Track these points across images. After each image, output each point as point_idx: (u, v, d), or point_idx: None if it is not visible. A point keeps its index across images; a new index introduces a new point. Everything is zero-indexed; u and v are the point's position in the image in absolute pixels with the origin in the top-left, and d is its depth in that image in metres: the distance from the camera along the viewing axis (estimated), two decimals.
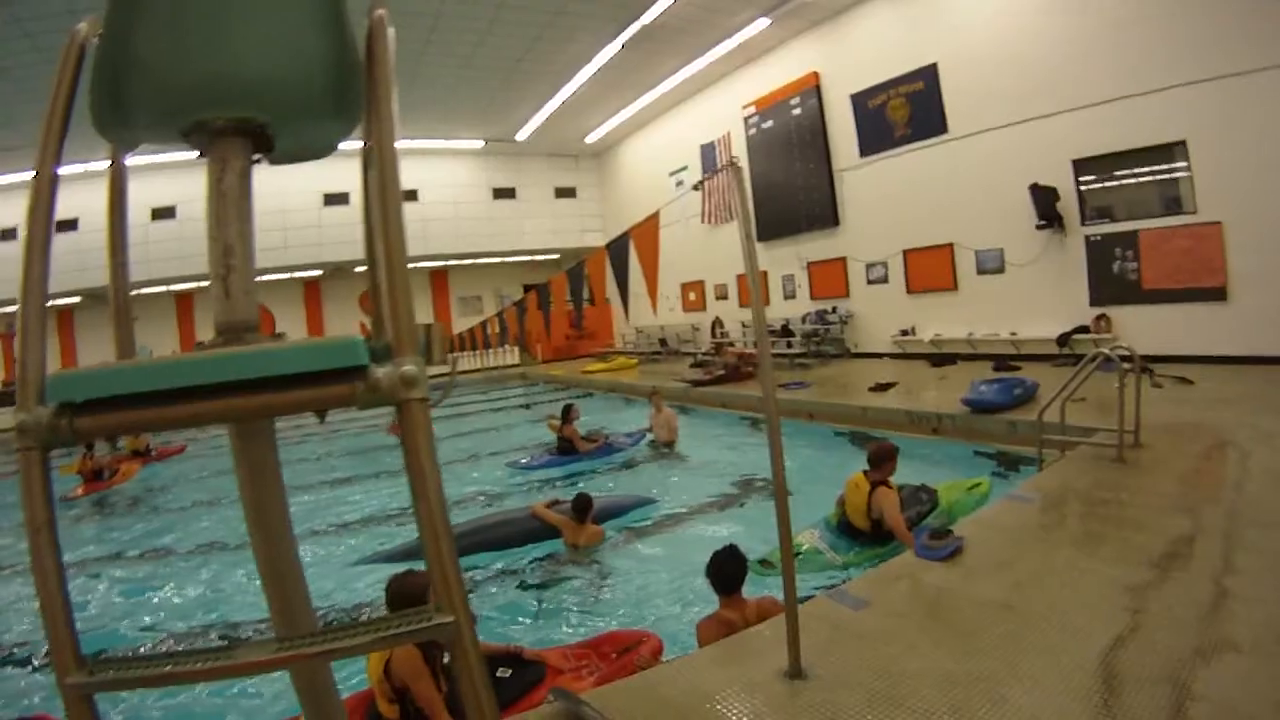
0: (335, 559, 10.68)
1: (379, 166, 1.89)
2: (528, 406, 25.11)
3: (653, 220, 9.37)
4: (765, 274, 27.56)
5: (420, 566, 5.48)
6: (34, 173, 1.88)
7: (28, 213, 1.67)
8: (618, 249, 10.98)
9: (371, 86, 1.93)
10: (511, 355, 36.27)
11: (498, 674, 5.55)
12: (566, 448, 14.33)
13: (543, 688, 5.47)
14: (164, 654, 1.62)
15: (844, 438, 14.07)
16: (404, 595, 4.89)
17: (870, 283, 23.32)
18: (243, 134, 1.94)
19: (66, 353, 38.91)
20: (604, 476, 13.54)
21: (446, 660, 4.85)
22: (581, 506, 9.67)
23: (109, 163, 2.41)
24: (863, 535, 8.16)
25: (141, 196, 34.09)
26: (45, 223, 1.76)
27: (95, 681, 1.48)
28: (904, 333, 21.97)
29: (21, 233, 1.78)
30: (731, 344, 26.30)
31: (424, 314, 40.36)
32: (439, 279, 41.78)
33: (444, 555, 1.72)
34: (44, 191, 1.85)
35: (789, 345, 23.76)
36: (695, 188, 17.14)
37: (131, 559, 11.94)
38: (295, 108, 2.03)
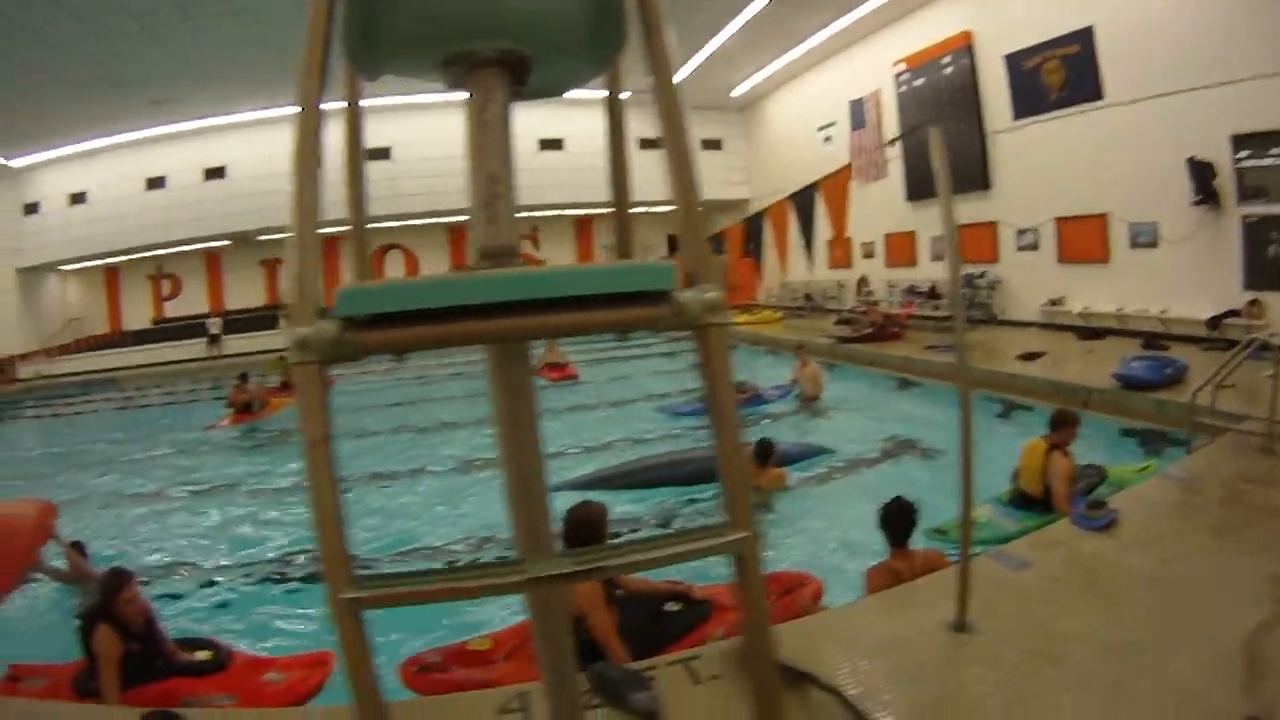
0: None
1: (662, 101, 1.94)
2: (671, 355, 25.24)
3: (844, 173, 9.27)
4: (913, 234, 27.28)
5: (593, 498, 5.66)
6: (300, 100, 1.85)
7: (296, 136, 1.64)
8: (803, 199, 10.95)
9: (648, 20, 1.92)
10: None
11: (666, 608, 5.64)
12: None
13: (710, 624, 5.63)
14: (444, 570, 1.62)
15: (993, 404, 13.83)
16: (583, 523, 5.19)
17: (1020, 249, 22.81)
18: (503, 66, 1.91)
19: (214, 294, 40.30)
20: (752, 428, 13.34)
21: (619, 593, 4.99)
22: (763, 451, 9.82)
23: (344, 102, 2.39)
24: (1036, 505, 8.08)
25: (276, 147, 35.44)
26: (314, 143, 1.74)
27: (369, 597, 1.49)
28: (1052, 302, 21.48)
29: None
30: (876, 303, 25.97)
31: (569, 260, 41.12)
32: (584, 228, 42.44)
33: (737, 473, 1.76)
34: (310, 114, 1.83)
35: (935, 308, 23.42)
36: (892, 142, 16.83)
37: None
38: (558, 41, 2.03)
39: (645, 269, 1.74)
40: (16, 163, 37.79)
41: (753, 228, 29.55)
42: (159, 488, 13.62)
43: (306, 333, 1.46)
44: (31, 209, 39.42)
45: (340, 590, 1.45)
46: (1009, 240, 23.13)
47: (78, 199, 39.13)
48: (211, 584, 9.00)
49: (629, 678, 4.05)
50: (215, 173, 38.10)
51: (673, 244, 41.19)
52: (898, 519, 5.79)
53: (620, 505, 9.45)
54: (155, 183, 38.55)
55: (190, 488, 13.51)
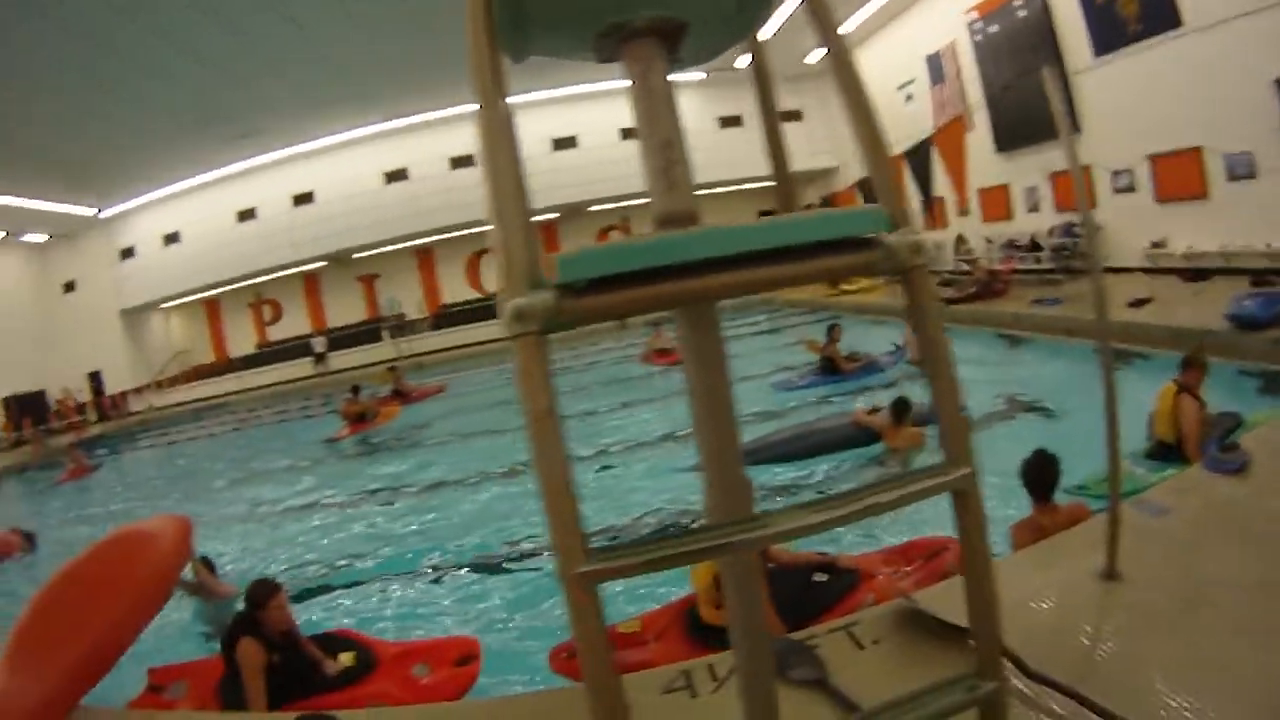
0: (659, 469, 11.54)
1: (837, 62, 1.96)
2: (776, 331, 25.16)
3: (957, 122, 9.19)
4: (1006, 187, 26.64)
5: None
6: (477, 80, 1.87)
7: (483, 116, 1.65)
8: (919, 157, 10.92)
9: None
10: None
11: (814, 579, 5.63)
12: (829, 367, 14.41)
13: (859, 592, 5.62)
14: (672, 537, 1.62)
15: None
16: None
17: (1117, 191, 21.99)
18: (658, 35, 1.91)
19: (315, 315, 41.32)
20: (868, 395, 13.43)
21: (770, 566, 4.99)
22: (900, 409, 9.86)
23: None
24: (1172, 455, 7.93)
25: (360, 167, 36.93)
26: (505, 121, 1.76)
27: (603, 569, 1.49)
28: (1155, 245, 20.79)
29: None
30: (977, 260, 25.57)
31: None
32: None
33: (955, 411, 1.76)
34: (491, 93, 1.85)
35: (1037, 261, 22.99)
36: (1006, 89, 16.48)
37: (424, 489, 13.00)
38: (712, 9, 2.00)
39: (858, 214, 1.75)
40: (107, 213, 39.37)
41: (865, 189, 29.39)
42: (283, 499, 14.09)
43: (523, 303, 1.45)
44: (128, 253, 41.02)
45: (573, 564, 1.45)
46: (1104, 184, 22.31)
47: (172, 239, 40.54)
48: (351, 584, 9.23)
49: (792, 647, 4.05)
50: (304, 198, 39.10)
51: (763, 218, 41.74)
52: (1041, 473, 5.72)
53: (757, 479, 9.48)
54: (246, 214, 39.73)
55: (313, 496, 13.97)
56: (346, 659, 6.24)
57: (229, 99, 28.40)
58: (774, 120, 2.54)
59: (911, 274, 1.73)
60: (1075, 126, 22.21)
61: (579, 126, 37.74)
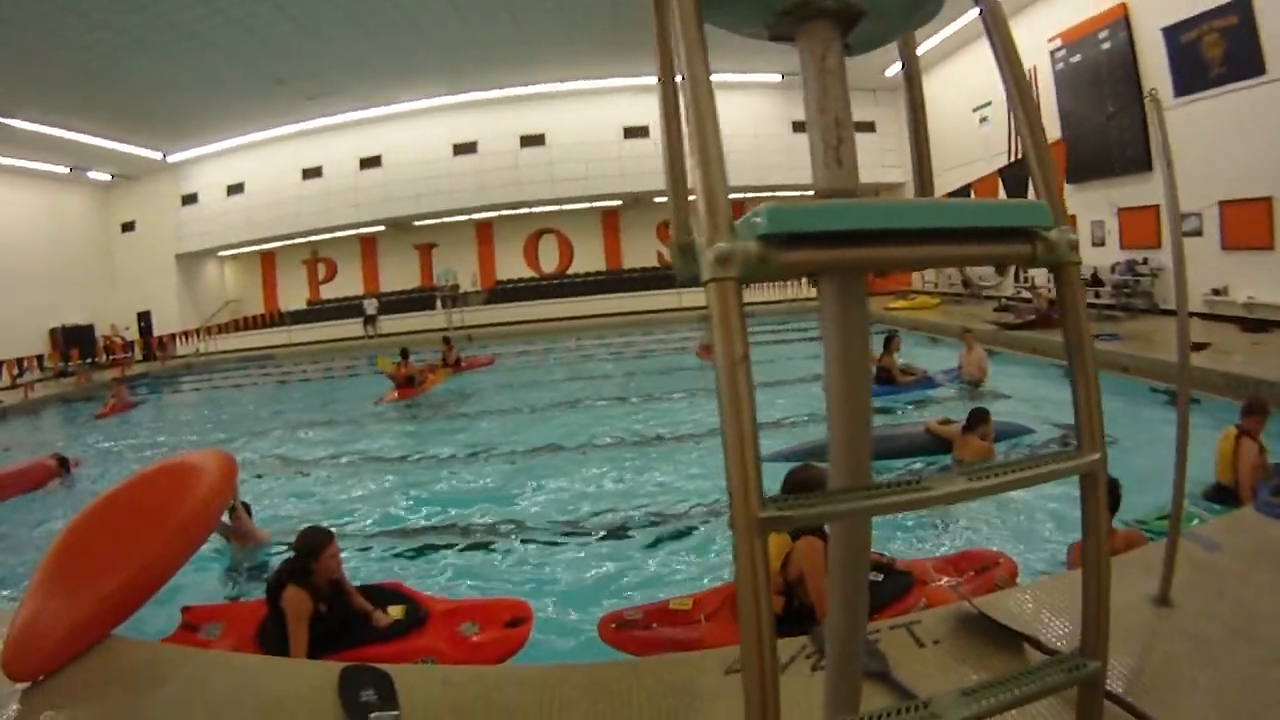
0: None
1: (1005, 55, 2.01)
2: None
3: (1059, 145, 9.21)
4: (1073, 218, 26.08)
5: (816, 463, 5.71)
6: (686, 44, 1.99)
7: (690, 85, 1.74)
8: (1014, 175, 10.92)
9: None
10: (810, 288, 35.64)
11: (870, 578, 5.69)
12: (884, 378, 14.37)
13: (912, 595, 5.64)
14: (844, 491, 1.70)
15: (1160, 395, 13.51)
16: (803, 483, 5.26)
17: (1183, 234, 21.48)
18: (836, 18, 2.00)
19: (369, 277, 41.67)
20: (921, 409, 13.53)
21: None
22: (973, 420, 9.82)
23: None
24: (1229, 497, 7.94)
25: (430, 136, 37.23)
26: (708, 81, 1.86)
27: (777, 516, 1.56)
28: (1215, 292, 20.50)
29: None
30: (1038, 289, 25.43)
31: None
32: (737, 210, 41.22)
33: (1091, 401, 1.86)
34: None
35: (1096, 295, 22.83)
36: (1113, 115, 16.60)
37: (466, 456, 13.07)
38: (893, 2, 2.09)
39: (1024, 207, 1.84)
40: (174, 158, 39.94)
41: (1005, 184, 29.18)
42: (325, 453, 14.24)
43: (728, 247, 1.52)
44: (190, 199, 41.63)
45: (750, 509, 1.52)
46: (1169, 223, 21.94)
47: (235, 189, 40.97)
48: (394, 542, 9.25)
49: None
50: (371, 162, 39.34)
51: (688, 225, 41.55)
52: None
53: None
54: (311, 173, 40.06)
55: (355, 452, 14.09)
56: (395, 612, 6.18)
57: (310, 56, 28.67)
58: (920, 119, 2.63)
59: (1065, 269, 1.82)
60: (1148, 164, 22.34)
61: (652, 117, 37.06)
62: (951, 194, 11.10)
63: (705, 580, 6.98)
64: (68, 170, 37.61)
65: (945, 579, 5.92)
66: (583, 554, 8.26)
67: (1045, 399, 13.52)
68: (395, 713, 3.86)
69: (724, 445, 1.53)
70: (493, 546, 8.76)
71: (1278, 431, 8.94)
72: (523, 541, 8.75)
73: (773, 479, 6.98)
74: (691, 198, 1.71)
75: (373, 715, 3.84)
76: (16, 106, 28.75)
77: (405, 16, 25.98)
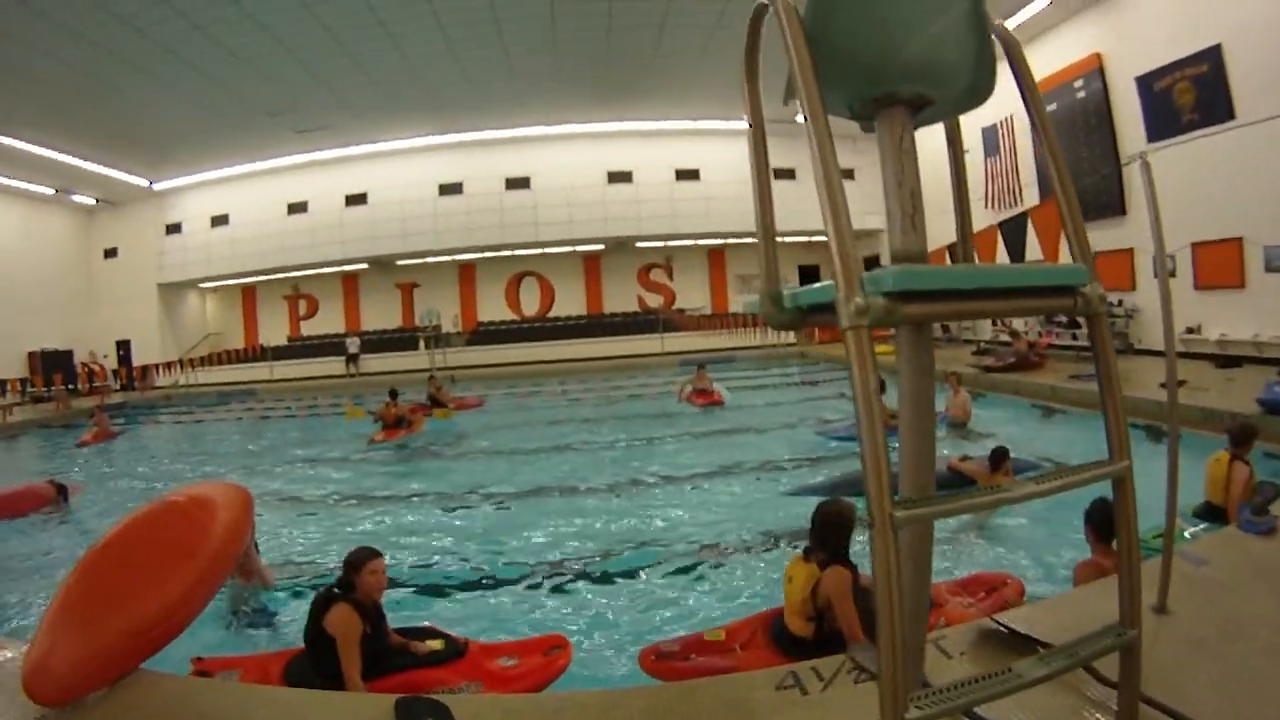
0: (758, 492, 11.86)
1: (1043, 126, 2.56)
2: (815, 383, 25.45)
3: (1055, 202, 9.55)
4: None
5: (845, 497, 5.96)
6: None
7: (818, 148, 2.12)
8: (1013, 228, 11.33)
9: (1023, 77, 2.57)
10: (788, 334, 35.95)
11: None
12: None
13: (930, 616, 5.80)
14: (963, 491, 2.12)
15: (1139, 430, 13.87)
16: (832, 516, 5.64)
17: (1157, 275, 21.56)
18: (909, 105, 2.43)
19: (351, 315, 42.21)
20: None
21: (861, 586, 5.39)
22: (998, 458, 10.15)
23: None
24: (1217, 515, 8.33)
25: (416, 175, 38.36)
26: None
27: (908, 515, 1.99)
28: (1189, 330, 20.92)
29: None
30: (1017, 333, 25.77)
31: (701, 289, 41.14)
32: (716, 257, 42.72)
33: (1118, 415, 2.38)
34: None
35: (1074, 337, 23.23)
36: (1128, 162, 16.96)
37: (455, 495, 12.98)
38: (952, 90, 2.57)
39: (1070, 269, 2.33)
40: (160, 186, 40.12)
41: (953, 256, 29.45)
42: (317, 492, 14.12)
43: (864, 302, 1.93)
44: (174, 229, 41.78)
45: (885, 509, 1.90)
46: (1145, 267, 22.67)
47: (220, 221, 41.14)
48: (411, 584, 8.96)
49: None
50: (356, 199, 39.59)
51: (803, 274, 40.95)
52: (1103, 517, 6.14)
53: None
54: (297, 207, 40.27)
55: (348, 492, 14.03)
56: (434, 644, 6.05)
57: (303, 90, 29.01)
58: (963, 182, 3.05)
59: (1097, 318, 2.33)
60: (1123, 208, 23.01)
61: (635, 162, 38.09)
62: (952, 245, 11.38)
63: (716, 614, 7.21)
64: (52, 191, 37.69)
65: (958, 599, 6.22)
66: (598, 593, 8.28)
67: (1027, 438, 13.83)
68: None
69: (862, 456, 1.94)
70: (505, 588, 8.72)
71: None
72: (529, 587, 8.68)
73: (785, 513, 7.39)
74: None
75: None
76: (3, 124, 28.85)
77: (400, 54, 26.30)
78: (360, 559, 5.78)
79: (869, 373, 1.91)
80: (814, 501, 6.21)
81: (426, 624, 6.74)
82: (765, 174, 2.75)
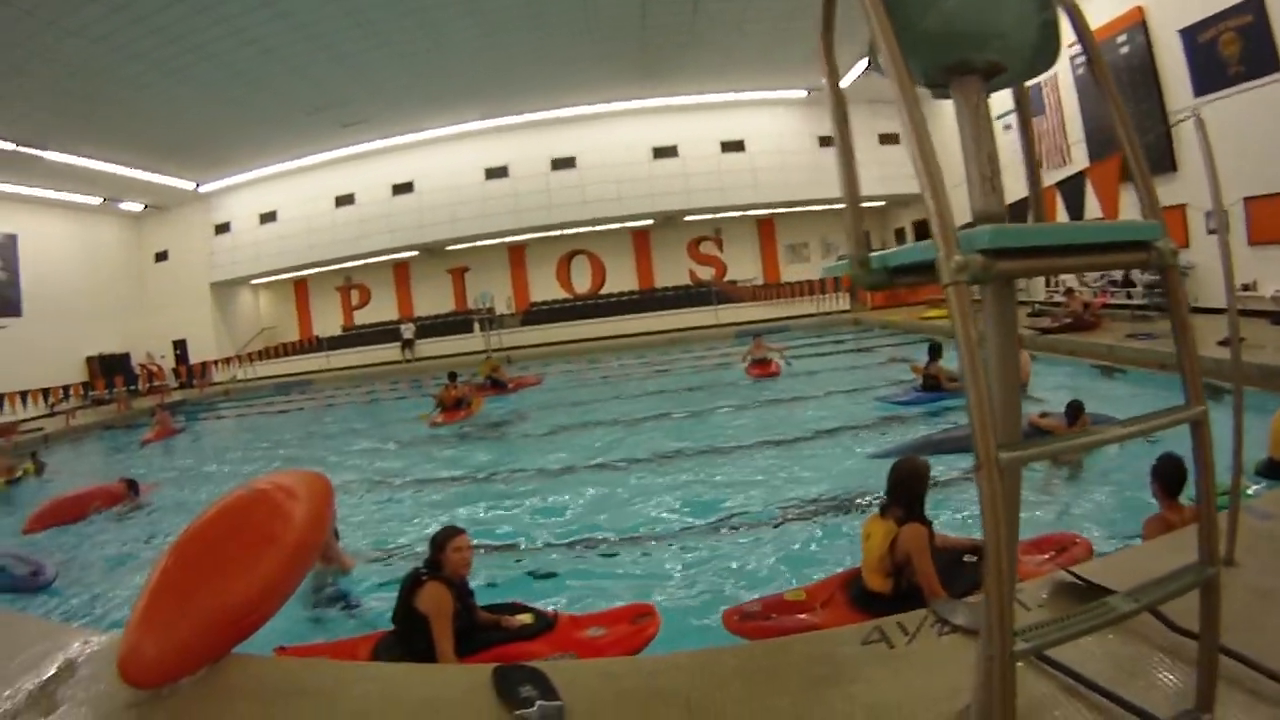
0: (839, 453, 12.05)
1: (1108, 88, 2.72)
2: (869, 350, 25.39)
3: (1115, 159, 9.55)
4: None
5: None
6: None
7: (910, 120, 2.25)
8: (1071, 188, 11.29)
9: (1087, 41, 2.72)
10: (843, 301, 36.59)
11: (965, 559, 6.06)
12: (933, 385, 14.50)
13: None
14: (1070, 435, 2.28)
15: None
16: (907, 473, 5.79)
17: (1210, 232, 21.36)
18: (983, 73, 2.57)
19: (403, 302, 42.30)
20: (965, 414, 13.50)
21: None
22: (1074, 411, 10.16)
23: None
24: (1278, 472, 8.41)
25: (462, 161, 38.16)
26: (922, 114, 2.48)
27: (1015, 456, 2.14)
28: (1244, 287, 20.50)
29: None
30: (1072, 291, 25.49)
31: (752, 260, 40.50)
32: (765, 227, 42.74)
33: (1194, 362, 2.56)
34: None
35: (1129, 296, 23.03)
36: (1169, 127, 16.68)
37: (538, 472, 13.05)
38: (1022, 58, 2.70)
39: (1145, 226, 2.48)
40: (206, 188, 40.77)
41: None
42: (385, 476, 14.25)
43: (963, 259, 2.05)
44: (223, 229, 42.50)
45: (991, 452, 2.03)
46: (1197, 224, 22.09)
47: (268, 218, 41.80)
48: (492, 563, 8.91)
49: (965, 606, 4.54)
50: (403, 188, 39.99)
51: (866, 238, 41.28)
52: (1172, 473, 6.21)
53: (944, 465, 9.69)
54: (344, 200, 40.83)
55: (418, 474, 14.14)
56: (524, 618, 6.13)
57: (343, 85, 29.22)
58: (1031, 144, 3.18)
59: (1170, 271, 2.52)
60: (1172, 165, 22.38)
61: (680, 137, 38.06)
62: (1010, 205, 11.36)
63: (790, 576, 7.38)
64: (100, 201, 38.38)
65: (1029, 558, 6.28)
66: (676, 560, 8.35)
67: (1087, 398, 13.77)
68: (560, 703, 3.93)
69: (969, 403, 2.06)
70: (583, 560, 8.76)
71: None
72: (604, 555, 8.78)
73: (854, 476, 7.55)
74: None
75: (538, 705, 3.91)
76: (48, 138, 29.24)
77: (437, 44, 26.42)
78: (444, 537, 5.90)
79: (969, 325, 2.04)
80: (881, 465, 6.30)
81: (512, 600, 6.76)
82: (847, 141, 2.71)
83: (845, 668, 4.03)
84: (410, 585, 5.75)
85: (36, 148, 29.50)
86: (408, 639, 5.66)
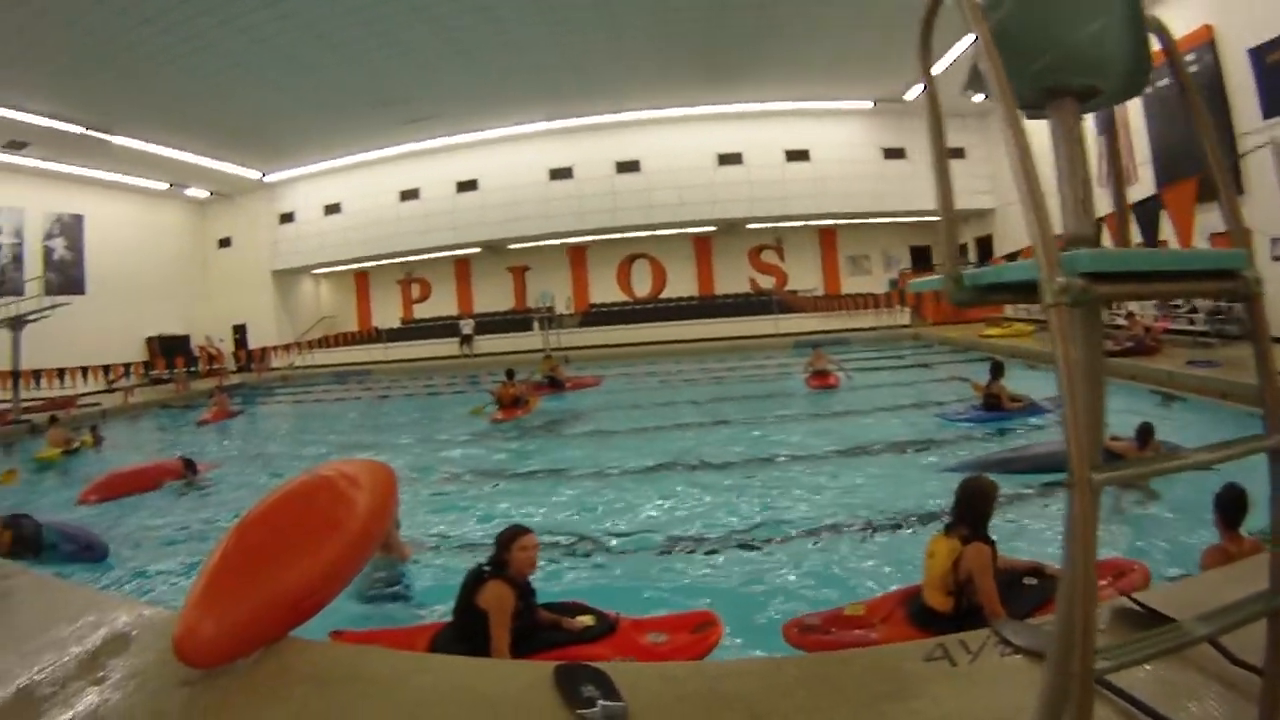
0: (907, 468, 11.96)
1: (1197, 110, 2.87)
2: (928, 366, 25.23)
3: (1188, 183, 9.51)
4: (1164, 244, 25.70)
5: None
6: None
7: (1014, 140, 2.31)
8: (1144, 210, 11.29)
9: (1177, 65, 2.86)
10: (902, 315, 36.22)
11: (1024, 581, 6.04)
12: (993, 404, 14.34)
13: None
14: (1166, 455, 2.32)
15: (1258, 420, 13.58)
16: (975, 493, 5.78)
17: (1275, 259, 20.96)
18: (1078, 95, 2.62)
19: (463, 298, 42.92)
20: (1029, 435, 13.43)
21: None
22: (1144, 434, 10.02)
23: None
24: None
25: (527, 161, 39.00)
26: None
27: (1109, 477, 2.17)
28: None
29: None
30: (1132, 314, 25.23)
31: (813, 270, 40.58)
32: (827, 237, 42.38)
33: (1276, 385, 2.57)
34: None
35: (1190, 322, 22.76)
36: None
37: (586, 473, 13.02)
38: (1117, 82, 2.72)
39: (1233, 254, 2.53)
40: (271, 178, 41.60)
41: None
42: (442, 469, 14.28)
43: (1064, 281, 2.08)
44: (287, 218, 43.48)
45: (1084, 470, 2.06)
46: (1263, 250, 21.17)
47: (332, 209, 42.60)
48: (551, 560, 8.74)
49: (1025, 627, 4.55)
50: (468, 185, 40.36)
51: (915, 254, 40.24)
52: (1233, 504, 6.16)
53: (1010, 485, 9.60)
54: (409, 194, 41.35)
55: (474, 470, 14.11)
56: (585, 620, 6.04)
57: (410, 82, 29.56)
58: (1118, 168, 3.23)
59: (1255, 300, 2.52)
60: (1239, 188, 21.78)
61: (745, 144, 37.91)
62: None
63: (844, 591, 7.23)
64: (166, 186, 39.45)
65: None
66: (733, 568, 8.28)
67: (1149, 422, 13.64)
68: (623, 704, 3.92)
69: (1064, 422, 2.10)
70: (638, 564, 8.71)
71: None
72: (660, 555, 8.77)
73: (914, 492, 7.57)
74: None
75: (600, 705, 3.90)
76: (117, 124, 30.03)
77: (506, 44, 26.57)
78: (510, 536, 5.84)
79: (1070, 345, 2.08)
80: (942, 482, 6.29)
81: (574, 600, 6.65)
82: (944, 159, 2.78)
83: (908, 683, 4.03)
84: (473, 582, 5.71)
85: (104, 132, 30.29)
86: (467, 634, 5.59)
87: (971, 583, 5.42)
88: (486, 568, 5.78)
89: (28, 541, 9.31)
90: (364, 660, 4.91)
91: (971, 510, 5.72)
